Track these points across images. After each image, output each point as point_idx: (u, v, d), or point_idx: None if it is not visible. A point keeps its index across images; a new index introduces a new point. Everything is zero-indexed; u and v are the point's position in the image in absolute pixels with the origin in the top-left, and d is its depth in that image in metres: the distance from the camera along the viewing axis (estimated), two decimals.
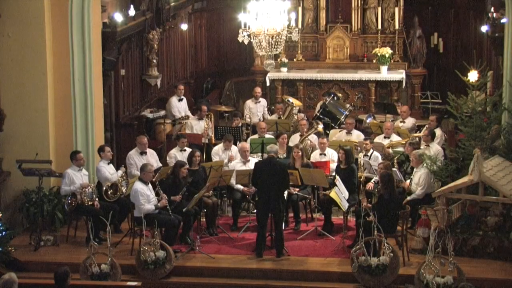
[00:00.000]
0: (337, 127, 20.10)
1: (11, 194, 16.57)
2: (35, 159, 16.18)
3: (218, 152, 18.02)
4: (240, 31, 17.35)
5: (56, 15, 16.46)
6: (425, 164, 16.24)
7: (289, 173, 15.70)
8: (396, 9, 23.46)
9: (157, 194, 15.62)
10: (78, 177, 16.05)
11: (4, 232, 14.32)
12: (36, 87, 16.49)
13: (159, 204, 15.39)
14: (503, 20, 17.34)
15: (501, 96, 16.69)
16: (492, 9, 19.67)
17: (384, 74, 23.00)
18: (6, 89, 16.44)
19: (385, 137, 18.63)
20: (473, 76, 17.01)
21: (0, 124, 16.45)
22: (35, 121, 16.56)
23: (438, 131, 18.47)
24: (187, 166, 16.46)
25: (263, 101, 21.59)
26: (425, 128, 18.49)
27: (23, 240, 15.80)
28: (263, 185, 15.41)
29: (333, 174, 16.73)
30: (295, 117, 19.67)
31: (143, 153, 17.23)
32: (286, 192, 16.05)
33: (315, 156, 17.65)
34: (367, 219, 14.77)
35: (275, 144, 17.54)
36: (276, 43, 17.46)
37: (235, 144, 18.32)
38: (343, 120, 20.25)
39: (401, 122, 19.86)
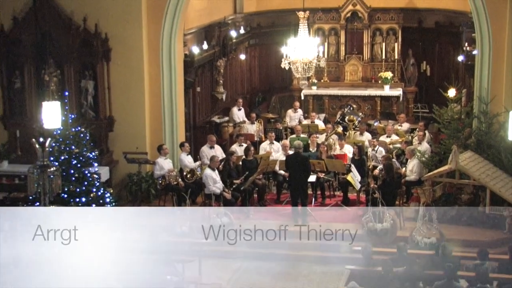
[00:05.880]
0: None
1: (118, 176, 16.78)
2: (136, 151, 16.36)
3: (264, 147, 18.07)
4: (283, 59, 17.41)
5: (151, 49, 16.60)
6: (416, 156, 16.20)
7: (310, 164, 15.71)
8: (396, 44, 23.32)
9: (222, 179, 15.74)
10: (165, 164, 16.20)
11: (114, 203, 14.48)
12: (136, 100, 16.67)
13: (223, 192, 15.50)
14: (474, 52, 17.24)
15: (472, 107, 16.59)
16: (466, 44, 19.58)
17: (387, 91, 22.86)
18: (115, 101, 16.63)
19: (387, 137, 18.59)
20: (452, 92, 16.95)
21: (111, 126, 16.68)
22: (135, 124, 16.74)
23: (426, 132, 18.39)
24: (236, 154, 16.62)
25: (299, 111, 21.61)
26: (417, 130, 18.38)
27: None
28: (291, 173, 15.50)
29: (350, 163, 16.74)
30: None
31: (211, 147, 17.30)
32: (314, 178, 16.11)
33: (336, 150, 17.62)
34: (374, 196, 14.80)
35: (307, 142, 17.64)
36: (309, 68, 17.54)
37: (278, 141, 18.37)
38: (357, 124, 20.22)
39: (399, 125, 19.79)
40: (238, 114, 21.22)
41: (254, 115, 20.61)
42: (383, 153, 17.06)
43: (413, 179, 16.04)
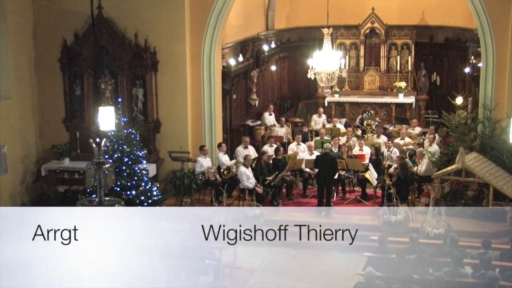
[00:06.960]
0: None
1: (164, 172, 16.84)
2: (179, 150, 16.42)
3: (292, 147, 18.05)
4: (309, 70, 17.39)
5: (194, 61, 16.63)
6: (427, 157, 16.08)
7: (337, 162, 15.68)
8: (409, 57, 23.21)
9: (254, 176, 15.73)
10: (205, 162, 16.22)
11: (160, 196, 14.57)
12: (180, 105, 16.72)
13: (256, 187, 15.47)
14: (479, 65, 17.07)
15: (477, 114, 16.44)
16: (472, 57, 19.39)
17: (401, 99, 22.74)
18: (162, 107, 16.69)
19: (401, 139, 18.46)
20: (459, 100, 16.77)
21: (158, 129, 16.76)
22: (179, 127, 16.78)
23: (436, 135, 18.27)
24: (268, 154, 16.60)
25: (323, 116, 21.55)
26: (428, 133, 18.24)
27: (171, 201, 16.07)
28: (321, 170, 15.43)
29: (368, 162, 16.65)
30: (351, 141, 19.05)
31: (246, 147, 17.32)
32: (336, 175, 16.04)
33: (355, 151, 17.57)
34: (389, 191, 14.71)
35: (330, 143, 17.58)
36: (332, 78, 17.49)
37: (304, 142, 18.34)
38: (374, 128, 20.12)
39: (412, 129, 19.66)
40: (269, 118, 21.24)
41: (283, 119, 20.65)
42: (398, 153, 16.94)
43: (423, 173, 15.94)
